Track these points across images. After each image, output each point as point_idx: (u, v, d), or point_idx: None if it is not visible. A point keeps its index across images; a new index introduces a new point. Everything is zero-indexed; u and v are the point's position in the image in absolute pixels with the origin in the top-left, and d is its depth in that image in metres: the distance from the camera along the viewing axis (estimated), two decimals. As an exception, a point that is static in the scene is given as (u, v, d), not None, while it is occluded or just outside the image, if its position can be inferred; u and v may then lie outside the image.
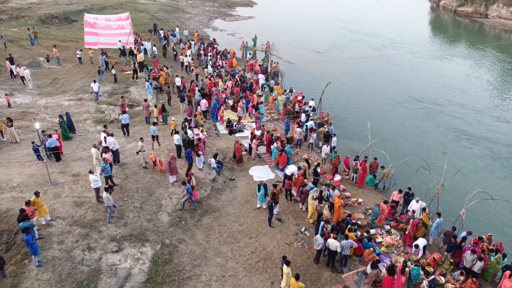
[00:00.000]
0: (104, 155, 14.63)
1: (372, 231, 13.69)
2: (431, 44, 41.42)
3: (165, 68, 27.36)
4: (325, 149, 18.69)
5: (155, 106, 21.10)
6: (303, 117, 22.07)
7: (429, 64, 34.82)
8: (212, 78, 26.34)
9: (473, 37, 43.95)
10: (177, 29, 38.57)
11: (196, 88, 24.45)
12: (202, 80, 26.38)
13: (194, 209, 13.25)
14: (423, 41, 42.69)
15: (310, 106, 23.87)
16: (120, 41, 29.39)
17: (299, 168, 15.90)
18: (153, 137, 17.60)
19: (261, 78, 28.45)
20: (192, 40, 36.68)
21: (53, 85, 23.87)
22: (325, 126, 21.45)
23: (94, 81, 21.82)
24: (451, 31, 47.00)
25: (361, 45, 41.86)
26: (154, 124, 17.87)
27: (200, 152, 16.40)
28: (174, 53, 32.79)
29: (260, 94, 26.27)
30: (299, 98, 24.82)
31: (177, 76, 26.03)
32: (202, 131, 18.28)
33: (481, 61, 35.84)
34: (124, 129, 18.34)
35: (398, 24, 48.32)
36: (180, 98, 22.84)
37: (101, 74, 25.44)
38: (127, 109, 19.95)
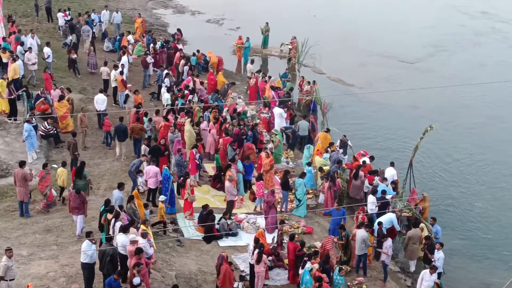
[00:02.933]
0: None
1: None
2: None
3: (67, 92, 28.43)
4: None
5: (63, 165, 22.60)
6: (371, 201, 22.43)
7: None
8: (170, 116, 27.13)
9: None
10: (103, 12, 40.74)
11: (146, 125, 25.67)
12: (150, 120, 27.24)
13: None
14: None
15: (386, 179, 24.17)
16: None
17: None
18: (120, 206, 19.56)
19: (279, 115, 29.23)
20: (132, 34, 38.34)
21: None
22: (421, 225, 21.80)
23: None
24: None
25: (495, 43, 44.75)
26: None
27: (137, 281, 16.50)
28: (92, 60, 34.41)
29: (270, 148, 26.75)
30: (362, 160, 25.31)
31: (101, 92, 29.09)
32: (145, 234, 18.20)
33: None
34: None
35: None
36: (117, 134, 25.85)
37: None
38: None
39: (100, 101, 28.37)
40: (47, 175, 21.62)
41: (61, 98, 27.46)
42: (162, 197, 21.44)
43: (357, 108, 34.54)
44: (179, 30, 40.67)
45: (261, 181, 23.61)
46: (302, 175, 23.90)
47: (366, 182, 24.03)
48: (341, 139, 27.03)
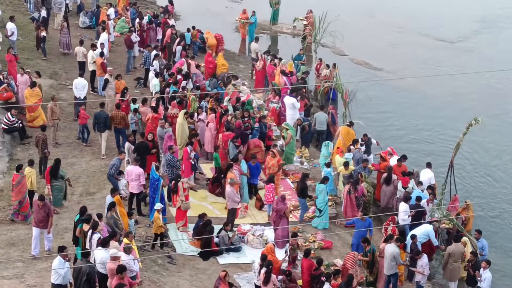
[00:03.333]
0: None
1: None
2: None
3: (36, 77, 28.44)
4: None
5: (30, 164, 22.55)
6: (403, 210, 22.43)
7: None
8: (160, 106, 27.24)
9: None
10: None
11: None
12: (136, 110, 27.03)
13: None
14: None
15: (421, 183, 24.40)
16: None
17: None
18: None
19: (291, 105, 29.20)
20: (113, 6, 38.45)
21: None
22: (464, 239, 21.59)
23: None
24: None
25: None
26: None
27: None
28: (65, 38, 34.42)
29: (280, 145, 27.06)
30: (398, 159, 25.30)
31: (80, 75, 29.33)
32: (128, 249, 18.12)
33: None
34: None
35: None
36: (97, 124, 26.16)
37: None
38: None
39: (80, 87, 28.45)
40: (23, 179, 21.56)
41: (33, 84, 27.46)
42: (158, 205, 21.36)
43: (386, 96, 34.74)
44: (171, 2, 40.68)
45: (272, 184, 23.57)
46: (324, 180, 23.82)
47: (400, 186, 24.01)
48: (362, 139, 26.83)
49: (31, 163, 22.62)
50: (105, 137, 26.15)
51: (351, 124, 27.89)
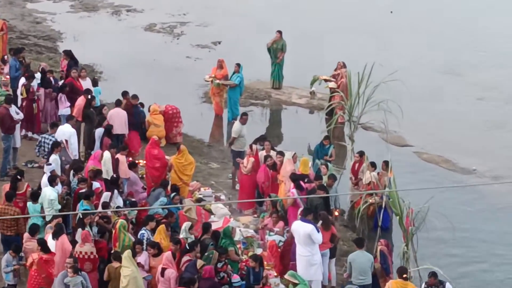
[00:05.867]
0: None
1: None
2: None
3: None
4: None
5: None
6: None
7: None
8: (64, 237, 27.10)
9: None
10: None
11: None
12: (17, 250, 26.88)
13: None
14: None
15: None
16: None
17: None
18: None
19: (306, 237, 28.88)
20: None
21: None
22: None
23: None
24: None
25: None
26: None
27: None
28: None
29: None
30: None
31: None
32: None
33: None
34: None
35: None
36: None
37: None
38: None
39: None
40: None
41: None
42: None
43: (477, 221, 34.82)
44: (67, 53, 41.19)
45: None
46: None
47: None
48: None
49: None
50: None
51: (405, 276, 27.67)
